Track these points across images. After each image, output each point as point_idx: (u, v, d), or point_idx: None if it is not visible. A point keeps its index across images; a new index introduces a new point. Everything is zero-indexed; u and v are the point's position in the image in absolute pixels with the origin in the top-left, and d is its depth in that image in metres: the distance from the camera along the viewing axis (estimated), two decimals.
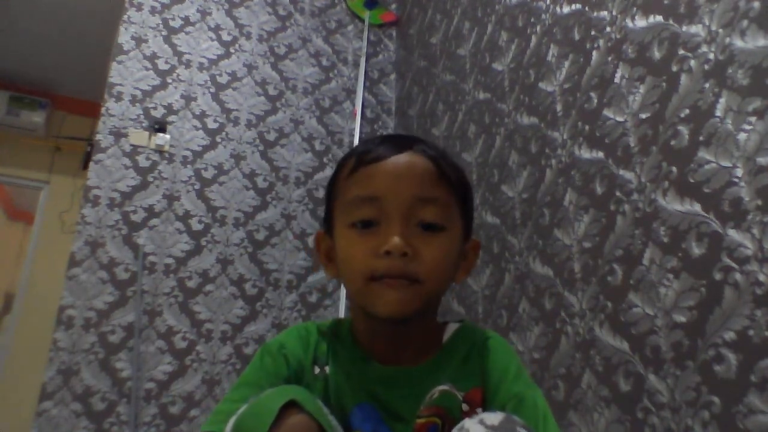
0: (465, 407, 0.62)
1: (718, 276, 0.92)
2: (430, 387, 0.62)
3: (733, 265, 0.89)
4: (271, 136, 2.43)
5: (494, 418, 0.50)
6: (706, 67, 1.01)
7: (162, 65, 2.33)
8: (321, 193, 2.42)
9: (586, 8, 1.39)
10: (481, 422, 0.49)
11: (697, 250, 0.97)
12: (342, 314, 2.18)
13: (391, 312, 0.60)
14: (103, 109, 2.19)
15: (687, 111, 1.04)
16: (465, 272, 0.69)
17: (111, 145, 2.15)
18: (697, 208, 0.98)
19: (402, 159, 0.64)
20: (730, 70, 0.96)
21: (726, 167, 0.94)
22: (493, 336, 0.69)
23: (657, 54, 1.14)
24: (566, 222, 1.34)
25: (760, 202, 0.87)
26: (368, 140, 0.69)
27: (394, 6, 2.95)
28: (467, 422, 0.50)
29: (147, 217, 2.11)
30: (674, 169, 1.05)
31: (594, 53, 1.34)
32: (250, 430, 0.50)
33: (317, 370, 0.67)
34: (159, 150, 2.21)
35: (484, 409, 0.62)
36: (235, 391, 0.63)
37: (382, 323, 0.64)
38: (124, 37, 2.32)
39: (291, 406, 0.51)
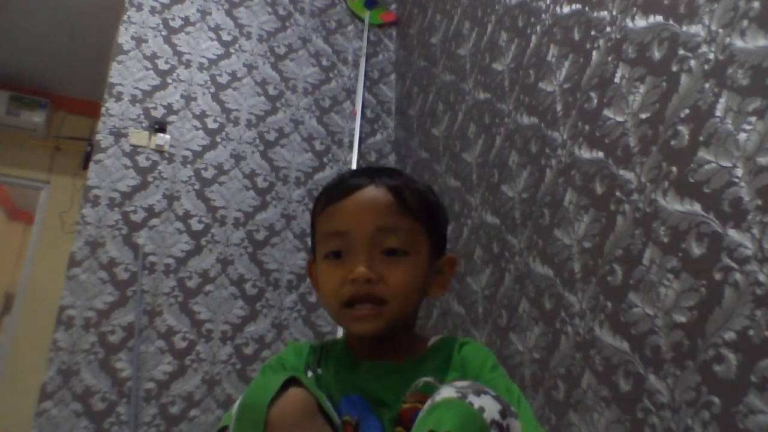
0: None
1: (718, 276, 0.92)
2: (413, 380, 0.66)
3: (733, 265, 0.89)
4: (271, 136, 2.43)
5: (464, 382, 0.57)
6: (706, 67, 1.01)
7: (162, 65, 2.33)
8: None
9: (586, 8, 1.39)
10: (451, 385, 0.56)
11: (697, 250, 0.97)
12: None
13: (362, 332, 0.69)
14: (103, 109, 2.19)
15: (687, 111, 1.04)
16: (441, 287, 0.76)
17: (111, 145, 2.15)
18: (697, 208, 0.98)
19: (364, 194, 0.71)
20: (730, 70, 0.96)
21: (726, 167, 0.94)
22: (472, 340, 0.76)
23: (657, 54, 1.14)
24: (566, 222, 1.34)
25: (760, 202, 0.87)
26: (337, 177, 0.77)
27: (394, 6, 2.95)
28: (441, 388, 0.56)
29: (147, 217, 2.11)
30: (674, 169, 1.05)
31: (594, 53, 1.34)
32: (254, 403, 0.55)
33: (309, 373, 0.73)
34: (159, 150, 2.21)
35: None
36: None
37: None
38: (124, 37, 2.32)
39: (292, 382, 0.57)
